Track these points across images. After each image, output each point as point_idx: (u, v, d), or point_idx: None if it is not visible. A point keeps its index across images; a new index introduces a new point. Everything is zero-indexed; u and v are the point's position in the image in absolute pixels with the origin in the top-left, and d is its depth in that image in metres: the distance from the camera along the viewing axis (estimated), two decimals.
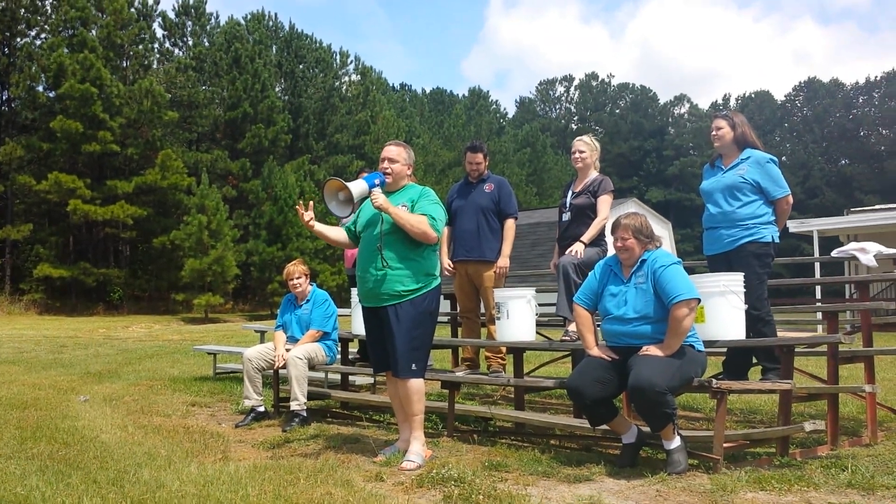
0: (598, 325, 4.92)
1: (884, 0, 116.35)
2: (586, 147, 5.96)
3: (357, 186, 4.67)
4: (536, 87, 78.75)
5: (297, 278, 6.43)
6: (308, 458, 4.69)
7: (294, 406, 5.94)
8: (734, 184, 5.03)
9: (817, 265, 19.73)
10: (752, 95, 76.88)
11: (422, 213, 4.65)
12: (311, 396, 6.28)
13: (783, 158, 70.40)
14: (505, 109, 71.58)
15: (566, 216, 5.96)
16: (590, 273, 4.70)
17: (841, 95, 72.95)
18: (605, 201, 5.83)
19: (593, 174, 5.98)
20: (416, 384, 4.66)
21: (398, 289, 4.63)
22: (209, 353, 9.47)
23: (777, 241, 5.04)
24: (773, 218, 5.03)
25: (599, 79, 75.77)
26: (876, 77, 71.41)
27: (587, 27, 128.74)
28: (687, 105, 75.37)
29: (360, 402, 6.40)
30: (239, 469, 4.23)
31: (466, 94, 63.61)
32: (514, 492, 3.76)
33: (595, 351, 4.48)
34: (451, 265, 6.41)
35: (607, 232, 5.88)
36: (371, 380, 7.56)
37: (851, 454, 4.66)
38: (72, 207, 31.28)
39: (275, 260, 34.99)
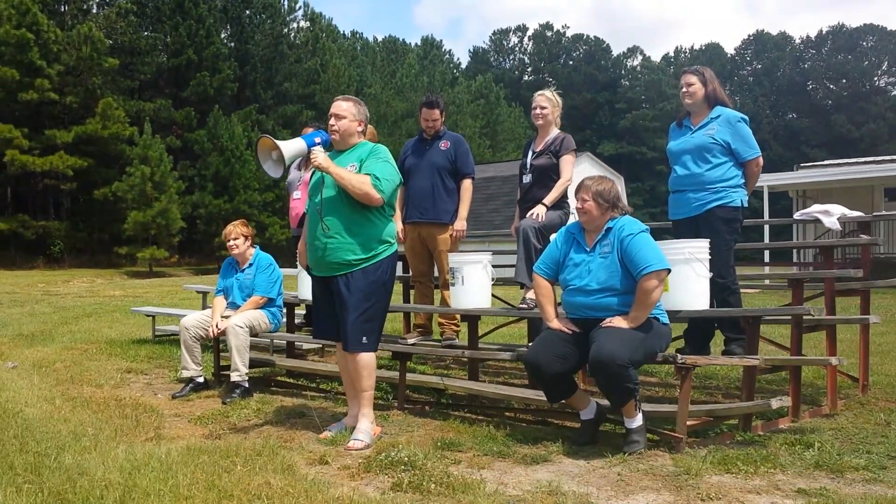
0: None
1: None
2: (548, 102, 5.62)
3: (292, 146, 4.30)
4: (490, 37, 77.68)
5: (235, 239, 6.01)
6: (247, 438, 4.38)
7: (234, 377, 5.60)
8: (703, 144, 4.76)
9: (766, 227, 19.84)
10: (703, 48, 77.03)
11: (366, 173, 4.28)
12: (254, 364, 5.95)
13: None
14: (458, 60, 70.63)
15: (527, 178, 5.64)
16: (551, 240, 4.40)
17: (790, 49, 73.61)
18: (567, 161, 5.52)
19: (554, 132, 5.66)
20: (367, 359, 4.35)
21: (348, 258, 4.29)
22: (147, 315, 9.01)
23: (746, 205, 4.81)
24: (742, 181, 4.79)
25: (554, 29, 74.93)
26: (824, 30, 72.12)
27: None
28: (640, 57, 75.25)
29: (306, 370, 6.08)
30: (171, 452, 3.89)
31: (419, 43, 62.46)
32: (468, 477, 3.51)
33: (555, 323, 4.21)
34: (402, 230, 6.08)
35: (570, 193, 5.63)
36: (319, 344, 7.22)
37: (813, 427, 4.51)
38: (9, 158, 29.99)
39: (221, 212, 34.15)
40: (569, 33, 75.38)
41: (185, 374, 5.83)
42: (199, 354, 5.87)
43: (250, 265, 6.06)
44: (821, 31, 72.50)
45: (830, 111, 68.67)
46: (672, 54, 78.02)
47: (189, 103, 38.85)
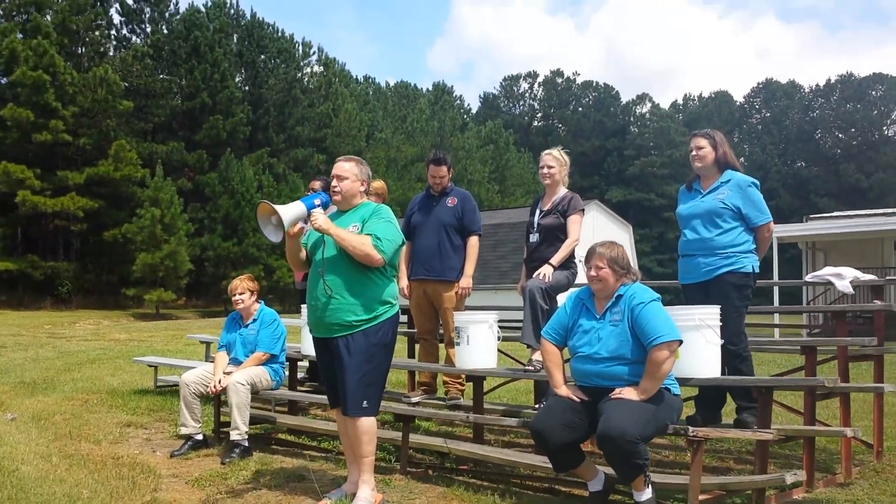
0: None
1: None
2: (555, 162, 5.58)
3: (291, 210, 4.26)
4: (500, 83, 78.49)
5: (241, 294, 5.95)
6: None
7: (234, 436, 5.49)
8: (714, 209, 4.69)
9: (776, 272, 19.69)
10: (712, 95, 77.62)
11: (367, 233, 4.24)
12: (254, 420, 5.84)
13: (741, 160, 71.29)
14: (468, 105, 71.20)
15: (534, 237, 5.58)
16: (560, 306, 4.32)
17: (798, 97, 74.03)
18: (575, 221, 5.46)
19: (562, 191, 5.61)
20: (367, 423, 4.24)
21: (348, 319, 4.21)
22: (150, 366, 8.92)
23: (757, 270, 4.73)
24: (753, 246, 4.71)
25: (564, 76, 75.65)
26: (832, 79, 72.56)
27: (553, 19, 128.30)
28: (649, 104, 75.75)
29: (307, 428, 5.96)
30: None
31: (430, 89, 63.09)
32: None
33: (563, 390, 4.10)
34: (407, 286, 6.03)
35: (577, 253, 5.57)
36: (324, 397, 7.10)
37: (829, 498, 4.38)
38: (20, 198, 30.15)
39: (230, 255, 34.25)
40: (579, 80, 76.15)
41: (184, 430, 5.72)
42: (198, 411, 5.77)
43: (254, 320, 5.99)
44: (829, 79, 72.96)
45: (839, 160, 68.73)
46: (681, 101, 78.63)
47: (202, 146, 39.19)
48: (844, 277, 5.82)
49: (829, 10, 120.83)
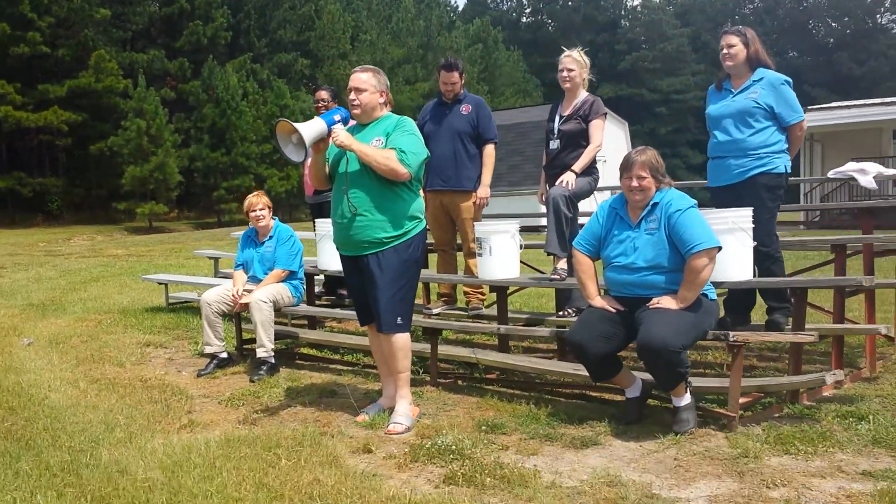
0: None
1: None
2: (575, 64, 5.37)
3: (312, 127, 4.10)
4: None
5: (261, 210, 5.84)
6: (283, 423, 4.27)
7: (261, 353, 5.48)
8: (746, 109, 4.55)
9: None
10: None
11: (391, 147, 4.10)
12: (277, 336, 5.81)
13: None
14: (455, 2, 69.19)
15: (554, 143, 5.43)
16: (592, 215, 4.23)
17: None
18: (597, 126, 5.31)
19: (583, 94, 5.43)
20: (403, 339, 4.22)
21: (379, 236, 4.12)
22: (160, 283, 8.86)
23: (789, 170, 4.63)
24: (785, 146, 4.60)
25: None
26: None
27: None
28: None
29: (331, 343, 5.96)
30: (210, 444, 3.79)
31: None
32: (521, 467, 3.41)
33: (598, 301, 4.07)
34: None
35: (598, 158, 5.45)
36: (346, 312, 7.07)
37: (859, 393, 4.43)
38: (3, 114, 29.45)
39: (219, 165, 33.81)
40: None
41: (209, 349, 5.71)
42: (221, 330, 5.75)
43: (270, 237, 5.90)
44: None
45: (832, 49, 67.70)
46: None
47: (182, 53, 38.08)
48: (868, 173, 5.73)
49: None
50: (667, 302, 3.81)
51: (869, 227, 5.28)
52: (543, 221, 5.42)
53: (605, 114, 5.42)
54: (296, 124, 4.08)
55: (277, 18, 43.08)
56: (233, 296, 5.64)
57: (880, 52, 65.03)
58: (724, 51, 4.65)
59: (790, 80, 4.61)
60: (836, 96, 59.15)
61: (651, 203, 3.94)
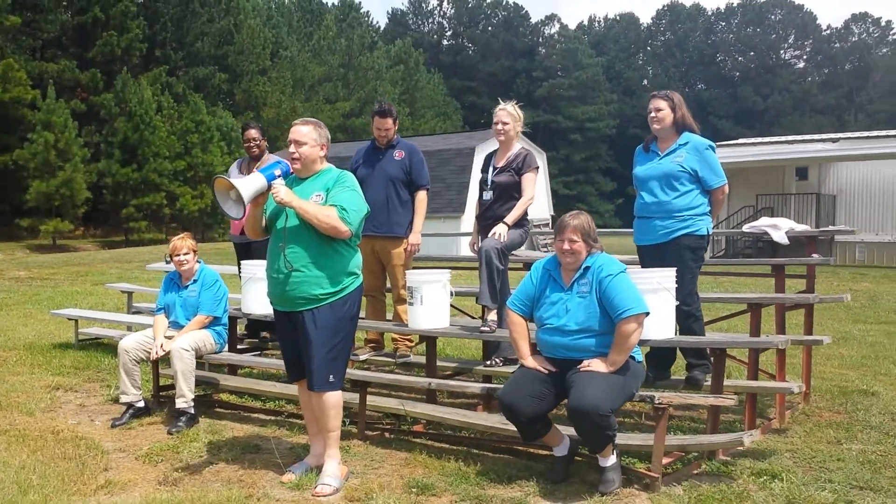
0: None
1: None
2: (509, 118, 5.45)
3: (250, 184, 4.04)
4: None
5: (185, 254, 5.67)
6: (205, 483, 4.14)
7: (180, 404, 5.30)
8: (671, 172, 4.71)
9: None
10: (618, 17, 78.14)
11: (332, 204, 4.06)
12: (196, 382, 5.63)
13: (645, 83, 72.54)
14: (376, 22, 69.37)
15: (487, 195, 5.48)
16: (526, 275, 4.29)
17: (702, 20, 75.39)
18: (529, 179, 5.40)
19: (516, 147, 5.52)
20: (334, 398, 4.16)
21: (315, 292, 4.06)
22: (69, 319, 8.50)
23: (711, 232, 4.81)
24: (708, 209, 4.78)
25: None
26: (734, 3, 74.09)
27: None
28: (557, 25, 75.70)
29: (254, 391, 5.82)
30: None
31: (336, 4, 60.78)
32: None
33: (530, 362, 4.12)
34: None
35: (530, 212, 5.54)
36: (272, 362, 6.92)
37: (770, 447, 4.60)
38: None
39: (130, 182, 32.84)
40: None
41: (125, 398, 5.49)
42: (139, 378, 5.54)
43: (194, 281, 5.74)
44: (730, 3, 74.46)
45: (738, 83, 70.90)
46: (586, 23, 78.88)
47: (95, 64, 36.99)
48: (780, 228, 6.00)
49: None
50: (597, 365, 3.89)
51: (782, 285, 5.52)
52: (463, 253, 5.43)
53: (538, 167, 5.51)
54: (234, 180, 4.01)
55: (195, 31, 42.31)
56: (154, 352, 5.44)
57: (783, 87, 68.50)
58: (653, 114, 4.80)
59: (714, 144, 4.80)
60: (741, 128, 62.04)
61: (583, 266, 4.02)
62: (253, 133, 6.70)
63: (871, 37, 72.15)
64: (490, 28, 72.97)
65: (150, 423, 5.40)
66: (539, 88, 67.88)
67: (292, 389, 5.38)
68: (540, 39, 74.82)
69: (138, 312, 8.65)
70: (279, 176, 4.11)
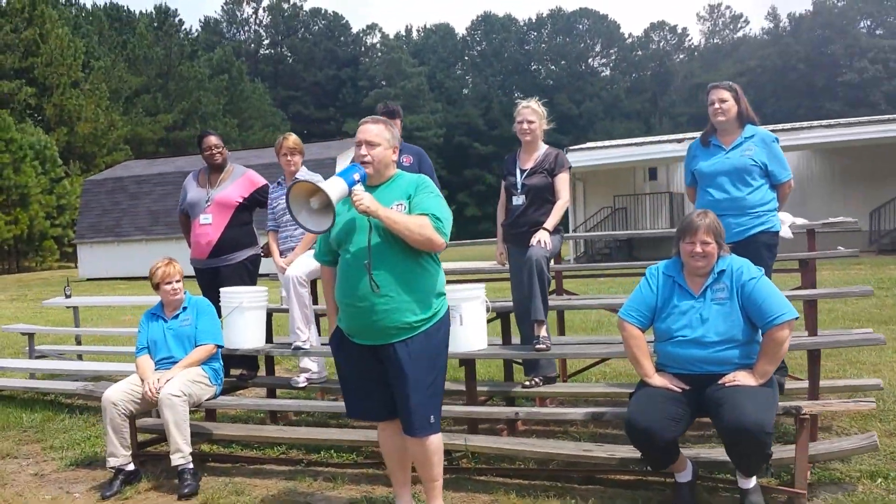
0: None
1: None
2: (535, 115, 5.04)
3: (335, 187, 3.33)
4: (222, 7, 73.42)
5: (178, 282, 4.78)
6: None
7: (177, 460, 4.39)
8: (743, 166, 4.46)
9: None
10: (434, 28, 79.38)
11: (422, 213, 3.45)
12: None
13: (465, 91, 74.25)
14: (192, 28, 66.06)
15: (518, 199, 4.99)
16: (641, 283, 3.86)
17: (515, 30, 78.21)
18: (564, 180, 4.98)
19: (543, 147, 5.10)
20: (437, 442, 3.54)
21: (408, 319, 3.42)
22: None
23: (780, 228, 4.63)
24: (777, 204, 4.59)
25: (290, 2, 72.73)
26: (543, 13, 77.67)
27: None
28: (378, 35, 75.76)
29: (268, 440, 4.97)
30: None
31: (148, 11, 57.21)
32: None
33: (658, 380, 3.69)
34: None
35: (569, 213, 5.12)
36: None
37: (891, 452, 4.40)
38: None
39: None
40: (306, 6, 73.66)
41: (114, 462, 4.47)
42: (128, 436, 4.55)
43: (184, 309, 4.84)
44: (540, 13, 77.88)
45: (552, 90, 74.10)
46: (403, 33, 79.53)
47: None
48: (784, 223, 5.96)
49: None
50: (744, 378, 3.53)
51: (812, 280, 5.46)
52: None
53: (570, 167, 5.12)
54: (320, 184, 3.29)
55: None
56: (147, 391, 4.50)
57: (594, 94, 72.41)
58: (716, 105, 4.53)
59: (778, 137, 4.61)
60: (559, 134, 64.95)
61: (716, 270, 3.67)
62: (213, 140, 5.80)
63: (668, 44, 78.00)
64: (310, 37, 71.69)
65: (147, 489, 4.47)
66: (366, 98, 67.45)
67: (305, 432, 4.72)
68: (362, 49, 74.53)
69: (42, 357, 7.37)
70: (358, 181, 3.44)
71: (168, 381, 4.53)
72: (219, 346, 4.86)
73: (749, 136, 4.54)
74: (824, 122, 24.99)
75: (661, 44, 77.92)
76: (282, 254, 5.54)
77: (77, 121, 38.66)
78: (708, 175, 4.60)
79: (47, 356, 7.40)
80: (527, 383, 5.05)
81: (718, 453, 3.88)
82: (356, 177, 3.41)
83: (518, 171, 5.06)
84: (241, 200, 5.72)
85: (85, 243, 25.96)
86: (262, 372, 5.77)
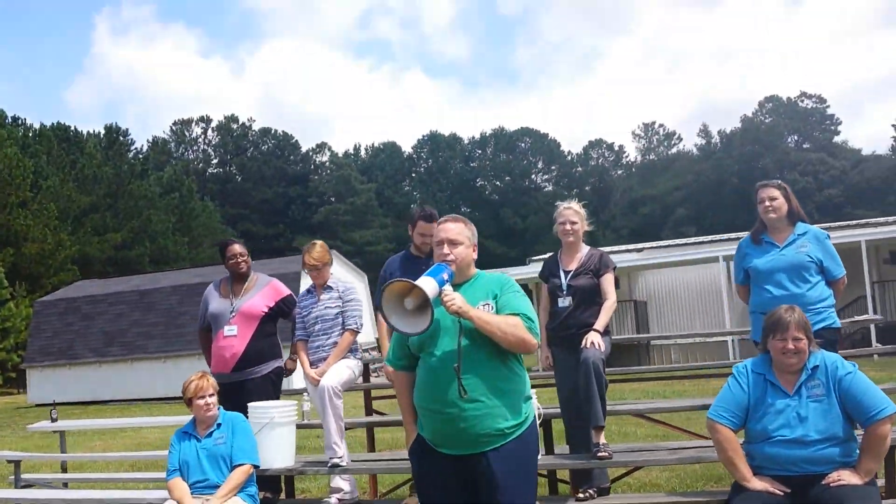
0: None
1: (482, 56, 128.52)
2: (577, 217, 5.02)
3: (428, 285, 3.17)
4: (171, 127, 73.89)
5: (211, 396, 4.48)
6: None
7: None
8: (801, 263, 4.48)
9: None
10: (382, 146, 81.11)
11: (511, 313, 3.31)
12: None
13: (413, 206, 75.28)
14: (143, 148, 66.06)
15: (565, 301, 4.90)
16: (729, 381, 3.74)
17: (460, 148, 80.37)
18: (609, 281, 4.92)
19: (585, 248, 5.06)
20: None
21: (500, 426, 3.22)
22: None
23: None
24: (834, 300, 4.58)
25: (240, 122, 73.64)
26: (487, 132, 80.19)
27: (207, 61, 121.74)
28: (328, 153, 76.92)
29: None
30: None
31: (94, 132, 57.14)
32: None
33: (758, 483, 3.52)
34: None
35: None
36: None
37: None
38: None
39: None
40: (255, 126, 74.63)
41: None
42: None
43: (218, 426, 4.51)
44: (483, 133, 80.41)
45: (498, 205, 75.75)
46: (352, 151, 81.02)
47: None
48: None
49: (465, 67, 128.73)
50: (848, 477, 3.40)
51: None
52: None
53: (615, 267, 5.06)
54: (417, 282, 3.13)
55: None
56: None
57: (538, 208, 74.04)
58: (766, 203, 4.59)
59: (829, 234, 4.66)
60: (505, 248, 65.99)
61: (810, 367, 3.57)
62: (237, 248, 5.62)
63: (607, 160, 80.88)
64: (259, 155, 72.34)
65: None
66: (316, 214, 67.91)
67: None
68: (312, 166, 75.38)
69: (27, 486, 6.80)
70: (447, 281, 3.29)
71: None
72: (255, 467, 4.52)
73: (802, 232, 4.59)
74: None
75: (600, 160, 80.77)
76: (312, 364, 5.30)
77: (24, 241, 37.69)
78: (765, 272, 4.59)
79: (33, 486, 6.82)
80: (580, 496, 4.80)
81: None
82: (445, 276, 3.27)
83: (562, 273, 4.99)
84: (266, 310, 5.50)
85: (35, 367, 24.71)
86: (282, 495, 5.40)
